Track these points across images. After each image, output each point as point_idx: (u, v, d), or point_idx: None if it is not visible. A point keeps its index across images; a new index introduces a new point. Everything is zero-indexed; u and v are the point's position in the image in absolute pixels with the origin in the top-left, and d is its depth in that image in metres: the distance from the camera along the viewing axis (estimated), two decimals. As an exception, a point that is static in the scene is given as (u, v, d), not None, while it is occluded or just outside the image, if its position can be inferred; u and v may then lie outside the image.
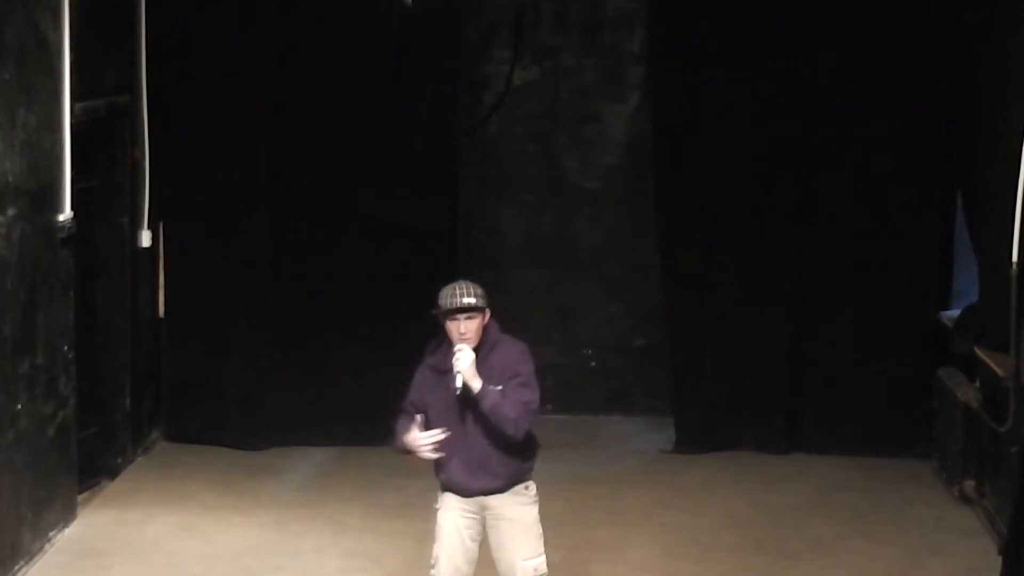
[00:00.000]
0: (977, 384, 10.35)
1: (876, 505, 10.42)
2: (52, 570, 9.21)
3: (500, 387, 7.33)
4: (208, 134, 11.50)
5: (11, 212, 8.92)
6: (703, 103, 11.43)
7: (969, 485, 10.29)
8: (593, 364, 12.61)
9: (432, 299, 11.28)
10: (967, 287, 11.24)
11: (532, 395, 7.40)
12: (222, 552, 9.48)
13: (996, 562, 8.61)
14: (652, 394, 12.29)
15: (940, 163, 11.32)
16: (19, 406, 9.05)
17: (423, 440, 7.38)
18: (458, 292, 7.34)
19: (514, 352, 7.46)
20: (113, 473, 10.86)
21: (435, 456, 7.42)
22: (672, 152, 11.61)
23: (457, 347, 7.29)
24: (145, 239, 11.22)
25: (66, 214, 9.66)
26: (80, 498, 10.16)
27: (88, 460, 10.40)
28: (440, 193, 11.81)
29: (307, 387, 11.66)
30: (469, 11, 12.12)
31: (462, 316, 7.31)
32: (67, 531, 9.76)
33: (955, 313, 11.09)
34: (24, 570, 9.07)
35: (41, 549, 9.37)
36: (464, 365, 7.25)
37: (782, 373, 11.60)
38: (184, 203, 11.60)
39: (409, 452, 7.53)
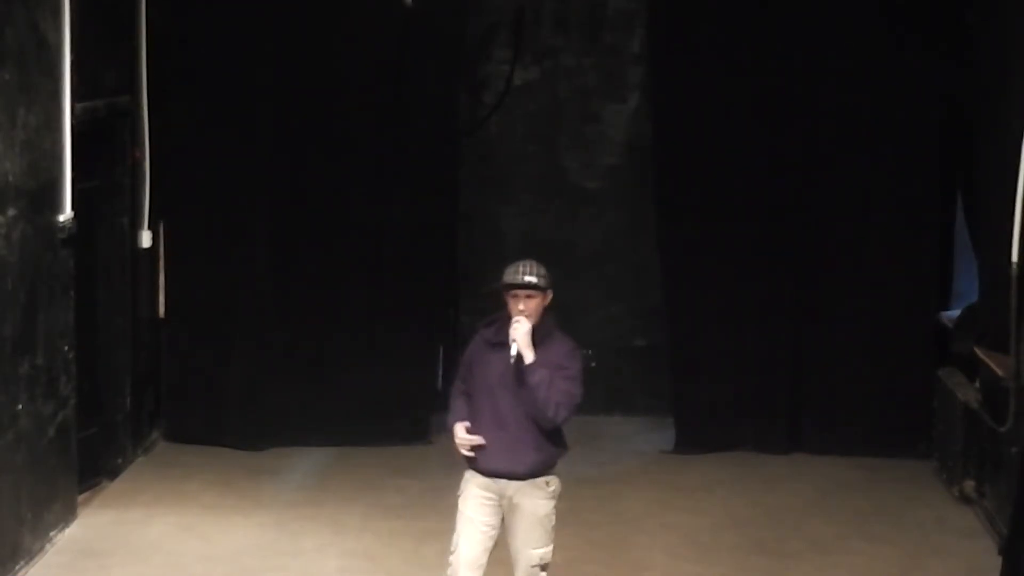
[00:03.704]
0: (977, 384, 10.36)
1: (876, 505, 10.42)
2: (52, 570, 9.21)
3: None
4: (208, 134, 11.49)
5: (11, 212, 8.92)
6: (703, 103, 11.44)
7: (969, 485, 10.29)
8: (593, 364, 12.59)
9: (431, 298, 11.34)
10: (967, 287, 11.24)
11: (576, 389, 7.55)
12: (222, 552, 9.48)
13: (996, 562, 8.61)
14: (652, 394, 12.29)
15: (940, 163, 11.32)
16: (19, 406, 9.05)
17: (463, 440, 7.52)
18: (522, 270, 7.50)
19: (565, 348, 7.61)
20: (113, 473, 10.85)
21: (470, 455, 7.54)
22: (672, 152, 11.62)
23: (515, 319, 7.44)
24: (145, 239, 11.21)
25: (66, 214, 9.65)
26: (80, 498, 10.15)
27: (88, 460, 10.39)
28: (440, 193, 11.81)
29: (307, 387, 11.66)
30: (469, 11, 12.11)
31: (522, 293, 7.46)
32: (67, 531, 9.75)
33: (955, 313, 11.10)
34: (24, 570, 9.06)
35: (41, 549, 9.36)
36: (520, 333, 7.40)
37: (782, 373, 11.60)
38: (184, 203, 11.60)
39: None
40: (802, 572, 9.27)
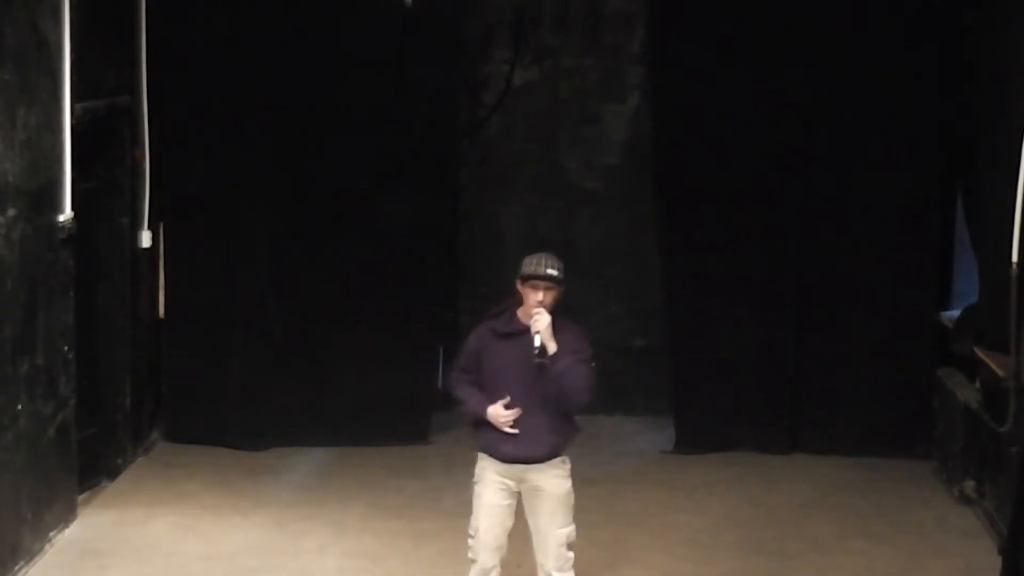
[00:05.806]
0: (977, 384, 10.36)
1: (876, 505, 10.42)
2: (52, 570, 9.21)
3: None
4: (208, 134, 11.49)
5: (11, 212, 8.92)
6: (703, 103, 11.43)
7: (969, 485, 10.30)
8: (593, 364, 12.56)
9: (431, 298, 11.35)
10: (967, 287, 11.24)
11: (592, 372, 7.80)
12: (222, 552, 9.48)
13: (996, 562, 8.62)
14: (652, 394, 12.28)
15: (940, 163, 11.32)
16: (19, 406, 9.05)
17: (505, 417, 7.69)
18: (544, 263, 7.71)
19: (575, 331, 7.84)
20: (113, 473, 10.85)
21: (513, 432, 7.71)
22: (672, 152, 11.61)
23: (535, 310, 7.63)
24: (145, 239, 11.21)
25: (66, 214, 9.65)
26: (80, 498, 10.15)
27: (88, 460, 10.39)
28: (440, 193, 11.82)
29: (307, 387, 11.66)
30: (469, 11, 12.12)
31: (542, 285, 7.66)
32: (67, 531, 9.75)
33: (955, 313, 11.09)
34: (24, 570, 9.06)
35: (41, 549, 9.37)
36: (543, 326, 7.62)
37: (782, 373, 11.60)
38: (184, 203, 11.59)
39: (481, 420, 7.80)
40: (802, 572, 9.28)
